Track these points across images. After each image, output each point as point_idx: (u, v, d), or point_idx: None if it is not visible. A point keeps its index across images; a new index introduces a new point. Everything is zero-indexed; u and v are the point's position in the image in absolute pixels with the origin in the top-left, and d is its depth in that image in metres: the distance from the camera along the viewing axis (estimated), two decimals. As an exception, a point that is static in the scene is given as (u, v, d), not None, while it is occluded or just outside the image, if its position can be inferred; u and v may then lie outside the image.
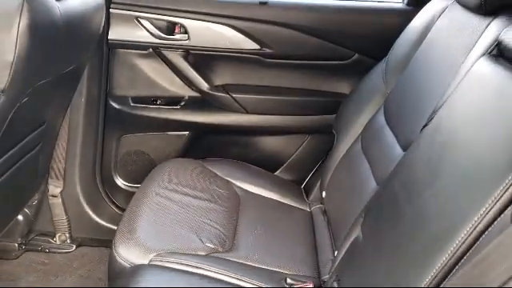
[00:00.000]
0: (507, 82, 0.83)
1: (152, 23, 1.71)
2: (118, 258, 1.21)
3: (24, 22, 1.01)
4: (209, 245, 1.29)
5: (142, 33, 1.72)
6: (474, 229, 0.73)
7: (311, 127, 1.88)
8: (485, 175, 0.76)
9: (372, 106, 1.54)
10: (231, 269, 1.22)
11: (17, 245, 1.79)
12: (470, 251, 0.72)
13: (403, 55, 1.48)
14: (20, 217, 1.72)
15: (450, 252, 0.74)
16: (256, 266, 1.28)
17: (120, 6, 1.68)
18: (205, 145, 1.93)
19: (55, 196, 1.83)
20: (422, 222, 0.84)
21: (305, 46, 1.77)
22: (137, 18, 1.70)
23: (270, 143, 1.94)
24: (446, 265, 0.75)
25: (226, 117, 1.86)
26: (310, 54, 1.79)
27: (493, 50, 0.97)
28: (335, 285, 1.13)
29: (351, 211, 1.28)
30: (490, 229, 0.71)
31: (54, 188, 1.82)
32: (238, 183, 1.66)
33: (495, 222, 0.71)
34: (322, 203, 1.64)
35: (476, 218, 0.73)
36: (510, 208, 0.70)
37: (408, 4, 1.75)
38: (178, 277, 1.14)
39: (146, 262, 1.18)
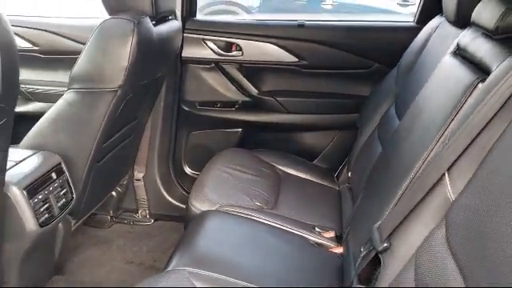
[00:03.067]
0: (454, 69, 1.23)
1: (214, 43, 2.19)
2: (192, 208, 1.67)
3: (135, 40, 1.52)
4: (257, 203, 1.73)
5: (207, 51, 2.20)
6: (424, 160, 1.13)
7: (341, 124, 2.27)
8: (435, 127, 1.16)
9: (386, 103, 1.92)
10: (273, 218, 1.64)
11: (109, 217, 2.28)
12: (421, 173, 1.12)
13: (410, 62, 1.87)
14: (113, 193, 2.22)
15: (411, 175, 1.15)
16: (292, 218, 1.69)
17: (191, 31, 2.17)
18: (255, 139, 2.36)
19: (139, 180, 2.32)
20: (399, 162, 1.25)
21: (334, 58, 2.19)
22: (203, 39, 2.19)
23: (308, 137, 2.35)
24: (410, 182, 1.15)
25: (272, 116, 2.29)
26: (339, 64, 2.21)
27: (455, 50, 1.36)
28: (349, 230, 1.53)
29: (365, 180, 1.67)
30: (432, 158, 1.11)
31: (138, 173, 2.30)
32: (280, 167, 2.08)
33: (435, 154, 1.11)
34: (348, 183, 2.03)
35: (425, 154, 1.13)
36: (442, 145, 1.10)
37: (417, 22, 2.15)
38: (235, 219, 1.58)
39: (212, 209, 1.63)
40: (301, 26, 2.19)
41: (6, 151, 1.23)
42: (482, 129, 0.97)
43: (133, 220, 2.34)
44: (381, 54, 2.16)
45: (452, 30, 1.58)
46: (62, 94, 1.65)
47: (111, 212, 2.27)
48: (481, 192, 0.90)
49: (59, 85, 2.33)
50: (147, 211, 2.35)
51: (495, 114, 0.95)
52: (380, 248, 1.11)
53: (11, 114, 1.17)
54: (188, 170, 2.41)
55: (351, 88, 2.25)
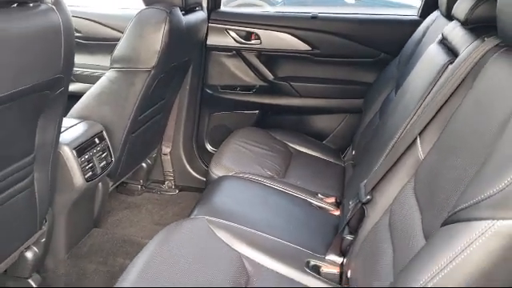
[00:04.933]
0: (435, 55, 1.45)
1: (236, 33, 2.44)
2: (211, 174, 1.93)
3: (167, 27, 1.78)
4: (268, 172, 1.98)
5: (229, 40, 2.45)
6: (404, 129, 1.36)
7: (349, 108, 2.50)
8: (413, 102, 1.38)
9: (388, 88, 2.14)
10: (282, 185, 1.89)
11: (139, 186, 2.56)
12: (403, 137, 1.35)
13: (410, 51, 2.08)
14: (144, 165, 2.50)
15: (393, 142, 1.38)
16: (299, 186, 1.93)
17: (215, 21, 2.42)
18: (270, 120, 2.61)
19: (166, 154, 2.59)
20: (385, 132, 1.48)
21: (344, 48, 2.41)
22: (226, 29, 2.44)
23: (318, 119, 2.58)
24: (392, 147, 1.37)
25: (286, 100, 2.53)
26: (348, 53, 2.43)
27: (441, 39, 1.58)
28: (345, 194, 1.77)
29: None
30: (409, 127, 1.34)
31: (165, 148, 2.58)
32: (292, 145, 2.32)
33: (410, 121, 1.34)
34: (352, 160, 2.26)
35: (404, 124, 1.36)
36: (418, 116, 1.32)
37: (420, 16, 2.35)
38: (249, 182, 1.83)
39: (228, 175, 1.89)
40: (314, 17, 2.42)
41: (62, 117, 1.51)
42: (445, 102, 1.20)
43: (160, 190, 2.61)
44: (386, 45, 2.37)
45: (444, 22, 1.79)
46: (100, 76, 1.93)
47: (141, 182, 2.54)
48: (438, 150, 1.13)
49: (98, 68, 2.64)
50: (173, 182, 2.62)
51: (455, 90, 1.18)
52: (364, 200, 1.36)
53: (67, 85, 1.45)
54: (209, 147, 2.67)
55: (359, 75, 2.47)
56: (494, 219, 0.72)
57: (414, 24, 2.23)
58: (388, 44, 2.37)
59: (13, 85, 1.16)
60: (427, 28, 2.02)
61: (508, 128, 0.80)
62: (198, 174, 2.61)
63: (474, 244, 0.73)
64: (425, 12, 2.29)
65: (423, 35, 2.02)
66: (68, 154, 1.63)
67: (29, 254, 1.64)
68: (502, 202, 0.72)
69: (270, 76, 2.52)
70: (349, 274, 1.35)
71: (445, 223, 0.82)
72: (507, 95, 0.89)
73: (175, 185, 2.63)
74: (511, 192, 0.71)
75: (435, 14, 2.05)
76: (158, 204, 2.50)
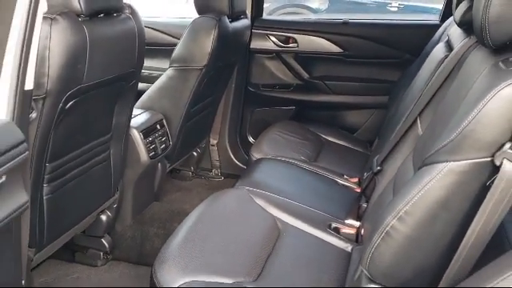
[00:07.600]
0: (439, 51, 1.72)
1: (276, 37, 2.78)
2: (252, 157, 2.26)
3: (216, 33, 2.13)
4: (302, 157, 2.28)
5: (270, 43, 2.78)
6: (409, 113, 1.64)
7: (377, 103, 2.76)
8: (417, 91, 1.66)
9: (408, 85, 2.40)
10: (312, 167, 2.19)
11: (190, 173, 2.92)
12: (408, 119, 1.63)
13: (428, 52, 2.34)
14: (194, 153, 2.85)
15: (400, 123, 1.66)
16: (327, 168, 2.23)
17: (258, 28, 2.76)
18: (305, 115, 2.91)
19: (213, 145, 2.94)
20: (396, 116, 1.76)
21: (372, 50, 2.69)
22: (267, 34, 2.78)
23: (349, 114, 2.86)
24: (400, 128, 1.66)
25: (320, 96, 2.83)
26: (376, 55, 2.71)
27: (447, 39, 1.84)
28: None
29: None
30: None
31: (213, 140, 2.92)
32: (324, 136, 2.61)
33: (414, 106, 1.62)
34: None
35: (412, 105, 1.64)
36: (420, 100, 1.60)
37: (441, 20, 2.60)
38: (283, 163, 2.15)
39: (266, 157, 2.21)
40: (345, 23, 2.72)
41: (133, 104, 1.89)
42: (439, 88, 1.48)
43: (208, 177, 2.97)
44: (410, 46, 2.63)
45: (455, 26, 2.05)
46: (158, 77, 2.31)
47: (192, 169, 2.90)
48: (430, 126, 1.42)
49: (153, 69, 3.03)
50: (219, 170, 2.97)
51: (446, 78, 1.46)
52: (375, 171, 1.65)
53: (138, 78, 1.83)
54: (251, 139, 2.99)
55: (385, 74, 2.74)
56: (448, 161, 1.00)
57: (434, 27, 2.48)
58: (411, 46, 2.62)
59: (102, 75, 1.54)
60: (444, 30, 2.28)
61: (466, 99, 1.08)
62: (240, 163, 2.93)
63: (433, 180, 1.02)
64: (444, 17, 2.54)
65: (440, 37, 2.27)
66: (136, 135, 2.01)
67: (103, 217, 2.02)
68: (453, 148, 1.00)
69: (306, 75, 2.83)
70: (362, 233, 1.63)
71: (418, 168, 1.11)
72: (473, 76, 1.17)
73: (221, 172, 2.98)
74: (460, 141, 0.99)
75: (451, 18, 2.30)
76: (206, 188, 2.85)
